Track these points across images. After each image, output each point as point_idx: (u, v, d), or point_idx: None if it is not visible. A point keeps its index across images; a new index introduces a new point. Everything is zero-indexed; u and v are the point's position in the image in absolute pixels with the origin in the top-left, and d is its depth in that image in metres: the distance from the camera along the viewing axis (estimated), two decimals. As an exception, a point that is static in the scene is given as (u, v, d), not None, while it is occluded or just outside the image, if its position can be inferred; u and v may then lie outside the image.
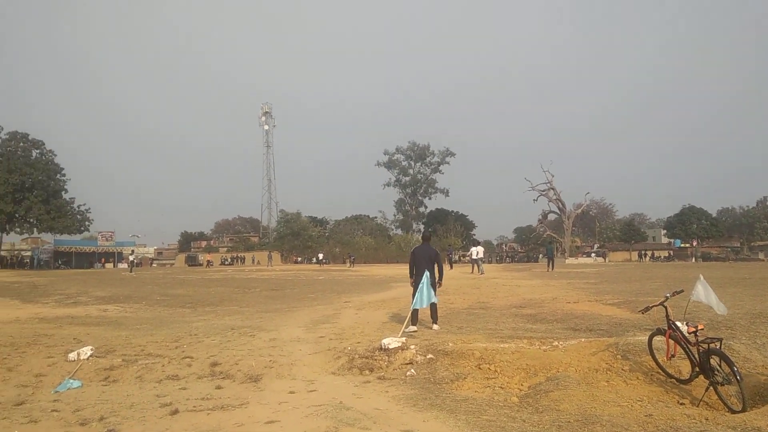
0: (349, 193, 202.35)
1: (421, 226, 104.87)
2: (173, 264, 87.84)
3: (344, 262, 67.34)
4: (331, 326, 12.02)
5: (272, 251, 77.79)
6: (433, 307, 11.06)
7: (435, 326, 11.03)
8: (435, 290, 10.93)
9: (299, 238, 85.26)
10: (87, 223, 67.40)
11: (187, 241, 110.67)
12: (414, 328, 10.78)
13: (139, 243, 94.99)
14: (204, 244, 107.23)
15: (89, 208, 67.07)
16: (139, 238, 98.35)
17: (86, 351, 9.10)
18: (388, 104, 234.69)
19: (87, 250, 79.29)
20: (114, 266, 73.77)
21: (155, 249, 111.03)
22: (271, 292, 23.03)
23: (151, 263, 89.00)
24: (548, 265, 39.16)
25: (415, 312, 10.93)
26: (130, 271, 45.79)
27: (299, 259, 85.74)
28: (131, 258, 52.05)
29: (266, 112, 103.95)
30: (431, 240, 12.41)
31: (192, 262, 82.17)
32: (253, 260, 78.35)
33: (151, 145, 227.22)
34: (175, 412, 6.29)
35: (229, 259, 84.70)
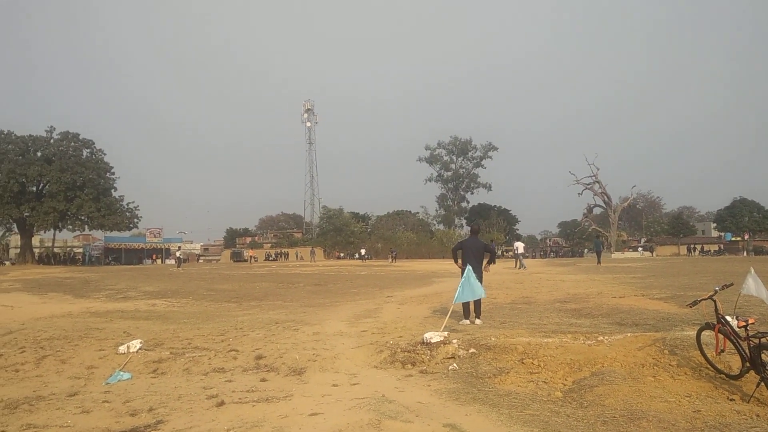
0: (391, 189, 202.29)
1: (464, 221, 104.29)
2: (219, 260, 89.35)
3: (386, 258, 67.46)
4: (373, 320, 12.08)
5: (315, 247, 78.42)
6: (477, 301, 11.04)
7: (478, 321, 11.01)
8: (480, 283, 10.88)
9: (341, 233, 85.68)
10: (136, 220, 68.95)
11: (232, 237, 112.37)
12: (467, 321, 10.91)
13: (185, 239, 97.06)
14: (248, 240, 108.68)
15: (138, 206, 68.64)
16: (186, 234, 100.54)
17: (136, 344, 9.35)
18: (429, 96, 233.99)
19: (136, 247, 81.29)
20: (162, 262, 75.45)
21: (201, 245, 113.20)
22: (314, 287, 23.26)
23: (198, 259, 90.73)
24: (598, 260, 39.10)
25: (466, 305, 11.03)
26: (178, 267, 46.75)
27: (342, 254, 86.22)
28: (178, 254, 53.09)
29: (308, 109, 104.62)
30: (479, 233, 12.32)
31: (237, 257, 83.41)
32: (297, 256, 79.21)
33: (196, 149, 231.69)
34: (221, 404, 6.42)
35: (273, 255, 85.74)
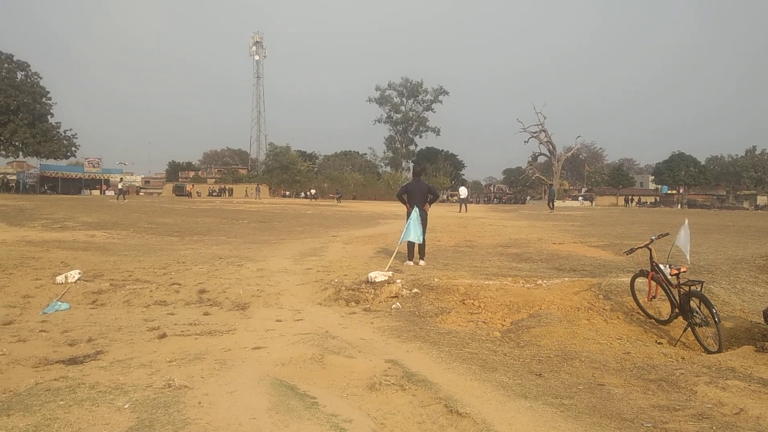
0: (340, 129, 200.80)
1: (411, 164, 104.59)
2: (160, 193, 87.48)
3: (332, 198, 67.42)
4: (318, 259, 12.11)
5: (260, 184, 77.52)
6: (421, 243, 11.19)
7: (422, 262, 11.17)
8: (424, 228, 11.01)
9: (288, 172, 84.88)
10: (73, 148, 66.64)
11: (174, 170, 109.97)
12: (410, 262, 11.07)
13: (126, 171, 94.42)
14: (192, 174, 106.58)
15: (76, 134, 66.25)
16: (126, 166, 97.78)
17: (74, 274, 9.14)
18: (381, 37, 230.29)
19: (73, 176, 78.61)
20: (101, 193, 73.37)
21: (142, 177, 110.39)
22: (259, 224, 23.10)
23: (138, 192, 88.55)
24: (549, 206, 40.70)
25: (410, 247, 11.19)
26: (117, 199, 45.60)
27: (287, 193, 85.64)
28: (120, 186, 51.59)
29: (257, 42, 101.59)
30: (422, 175, 12.39)
31: (179, 191, 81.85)
32: (246, 192, 78.21)
33: (140, 57, 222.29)
34: (163, 336, 6.38)
35: (217, 191, 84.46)
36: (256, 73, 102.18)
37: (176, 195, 77.63)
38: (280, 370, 5.13)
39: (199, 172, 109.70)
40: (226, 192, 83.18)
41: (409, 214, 10.96)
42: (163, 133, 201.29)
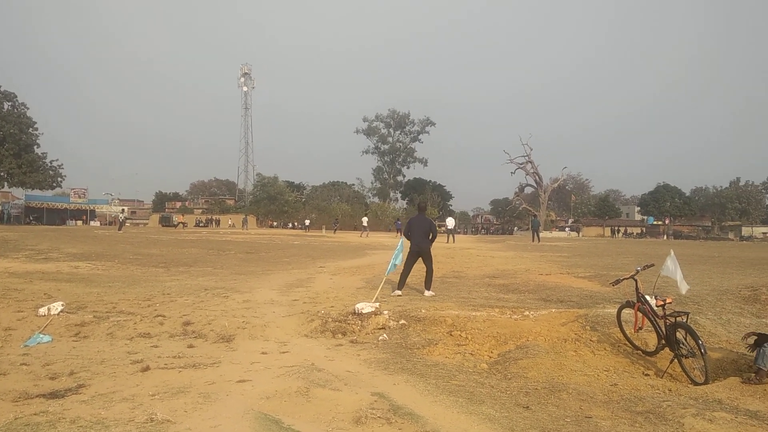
0: (328, 160, 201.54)
1: (399, 195, 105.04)
2: (146, 224, 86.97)
3: (319, 229, 67.15)
4: (305, 290, 12.05)
5: (248, 215, 77.31)
6: (429, 274, 11.43)
7: (429, 293, 11.27)
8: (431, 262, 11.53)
9: (275, 202, 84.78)
10: (59, 179, 66.31)
11: (161, 201, 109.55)
12: (398, 292, 11.16)
13: (112, 201, 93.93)
14: (179, 204, 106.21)
15: (62, 164, 65.96)
16: (113, 196, 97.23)
17: (57, 306, 9.02)
18: (368, 70, 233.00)
19: (59, 207, 78.12)
20: (85, 223, 72.86)
21: (128, 208, 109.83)
22: (246, 254, 22.98)
23: (124, 222, 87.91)
24: (533, 238, 40.80)
25: (402, 277, 11.36)
26: (120, 230, 45.39)
27: (275, 223, 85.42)
28: (121, 217, 51.04)
29: (245, 73, 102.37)
30: (426, 210, 12.59)
31: (166, 222, 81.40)
32: (230, 223, 77.91)
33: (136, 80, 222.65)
34: (147, 369, 6.29)
35: (204, 221, 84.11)
36: (244, 104, 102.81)
37: (162, 225, 77.23)
38: (265, 404, 5.07)
39: (186, 203, 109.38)
40: (213, 222, 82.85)
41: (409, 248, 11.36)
42: (150, 165, 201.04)
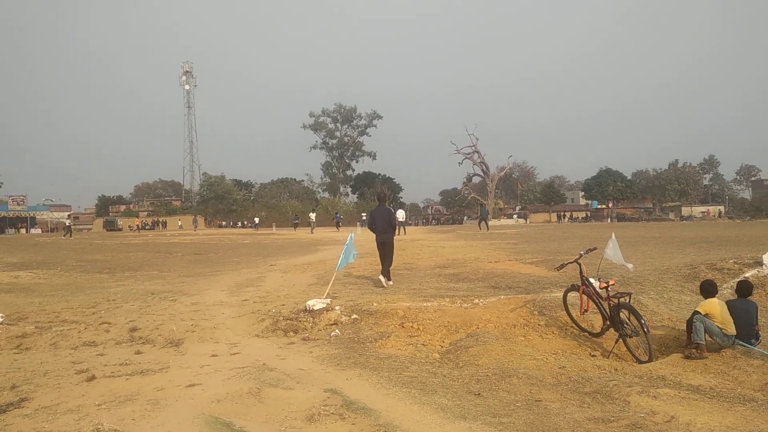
0: (275, 156, 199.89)
1: (349, 190, 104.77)
2: (90, 229, 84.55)
3: (271, 226, 66.34)
4: (255, 289, 11.91)
5: (197, 215, 75.91)
6: (386, 264, 11.73)
7: (389, 282, 11.59)
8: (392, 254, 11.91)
9: (223, 201, 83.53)
10: (-5, 186, 63.90)
11: (104, 205, 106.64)
12: (390, 282, 11.62)
13: (53, 207, 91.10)
14: (123, 208, 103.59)
15: (-2, 171, 63.55)
16: (53, 202, 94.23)
17: (-5, 319, 8.68)
18: (314, 63, 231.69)
19: (-4, 215, 75.34)
20: (26, 231, 70.43)
21: (70, 214, 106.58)
22: (194, 256, 22.59)
23: (71, 228, 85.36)
24: (480, 226, 41.20)
25: (384, 268, 11.73)
26: (65, 236, 43.95)
27: (223, 223, 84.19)
28: (67, 222, 49.26)
29: (187, 72, 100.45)
30: (386, 200, 12.92)
31: (110, 226, 79.38)
32: (179, 224, 76.29)
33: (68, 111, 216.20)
34: (92, 378, 6.11)
35: (150, 224, 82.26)
36: (186, 102, 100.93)
37: (107, 230, 75.27)
38: (216, 407, 5.00)
39: (131, 206, 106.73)
40: (160, 225, 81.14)
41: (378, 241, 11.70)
42: (91, 168, 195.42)
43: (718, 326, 6.95)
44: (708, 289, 7.37)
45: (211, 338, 8.02)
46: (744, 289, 7.70)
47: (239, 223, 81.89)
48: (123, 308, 9.89)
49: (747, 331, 7.14)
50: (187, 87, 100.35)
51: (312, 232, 45.81)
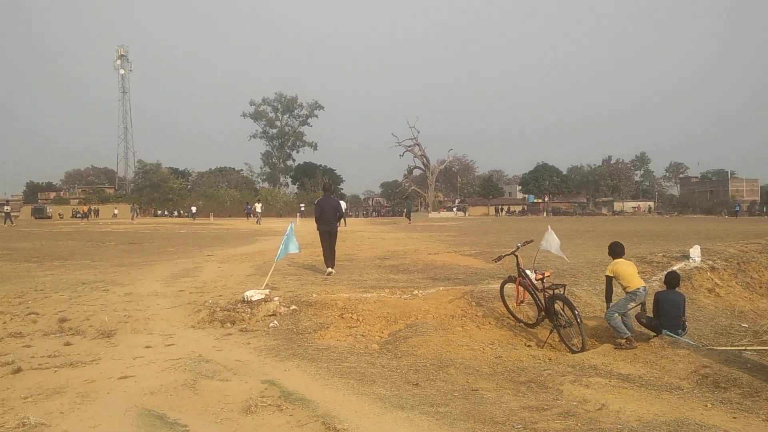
0: (214, 145, 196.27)
1: (289, 180, 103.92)
2: (17, 216, 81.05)
3: (208, 216, 65.02)
4: (191, 280, 11.67)
5: (135, 203, 73.62)
6: (331, 253, 11.93)
7: (332, 271, 11.82)
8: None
9: (159, 190, 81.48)
10: None
11: (33, 192, 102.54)
12: (332, 270, 11.79)
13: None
14: (53, 195, 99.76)
15: None
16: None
17: None
18: (255, 53, 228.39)
19: None
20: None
21: (9, 200, 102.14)
22: (128, 245, 21.96)
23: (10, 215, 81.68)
24: (408, 218, 41.78)
25: (326, 255, 11.91)
26: (5, 224, 41.89)
27: (159, 212, 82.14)
28: (6, 209, 46.76)
29: (122, 55, 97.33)
30: (332, 191, 13.11)
31: (39, 214, 76.26)
32: (115, 213, 73.75)
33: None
34: (18, 370, 5.86)
35: (82, 212, 79.43)
36: (121, 87, 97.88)
37: (36, 218, 72.30)
38: (149, 400, 4.87)
39: (61, 193, 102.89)
40: (93, 213, 78.49)
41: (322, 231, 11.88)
42: (19, 152, 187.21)
43: (621, 283, 7.38)
44: (615, 250, 7.73)
45: (145, 329, 7.80)
46: (672, 279, 8.04)
47: (175, 213, 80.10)
48: (52, 298, 9.52)
49: (675, 322, 7.46)
50: (122, 71, 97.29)
51: (258, 223, 44.89)
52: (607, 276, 7.58)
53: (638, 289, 7.30)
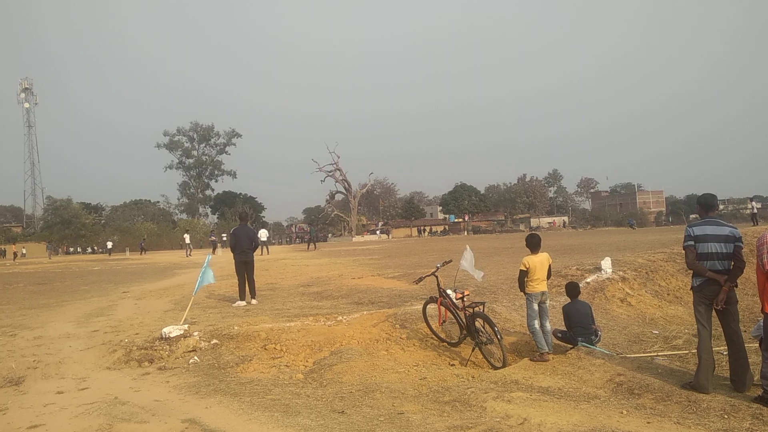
0: (129, 178, 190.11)
1: (209, 210, 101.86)
2: None
3: (124, 251, 62.70)
4: (106, 319, 11.21)
5: (50, 242, 70.02)
6: (251, 282, 11.93)
7: (254, 300, 11.82)
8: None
9: (70, 226, 77.94)
10: None
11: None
12: (242, 303, 11.67)
13: None
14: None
15: None
16: None
17: None
18: (167, 81, 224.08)
19: None
20: None
21: None
22: (37, 286, 20.86)
23: None
24: (309, 246, 41.37)
25: (241, 287, 11.85)
26: None
27: (72, 249, 78.54)
28: None
29: (26, 88, 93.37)
30: (248, 219, 12.97)
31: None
32: (23, 252, 69.92)
33: None
34: None
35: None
36: (27, 122, 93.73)
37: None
38: (61, 449, 4.63)
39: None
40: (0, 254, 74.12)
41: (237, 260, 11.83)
42: None
43: (526, 279, 7.51)
44: (530, 242, 7.84)
45: (57, 374, 7.42)
46: (572, 290, 8.36)
47: (89, 249, 76.85)
48: (-48, 347, 8.92)
49: (587, 331, 7.75)
50: (26, 105, 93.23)
51: (189, 255, 43.14)
52: (521, 270, 7.67)
53: (534, 294, 7.49)
